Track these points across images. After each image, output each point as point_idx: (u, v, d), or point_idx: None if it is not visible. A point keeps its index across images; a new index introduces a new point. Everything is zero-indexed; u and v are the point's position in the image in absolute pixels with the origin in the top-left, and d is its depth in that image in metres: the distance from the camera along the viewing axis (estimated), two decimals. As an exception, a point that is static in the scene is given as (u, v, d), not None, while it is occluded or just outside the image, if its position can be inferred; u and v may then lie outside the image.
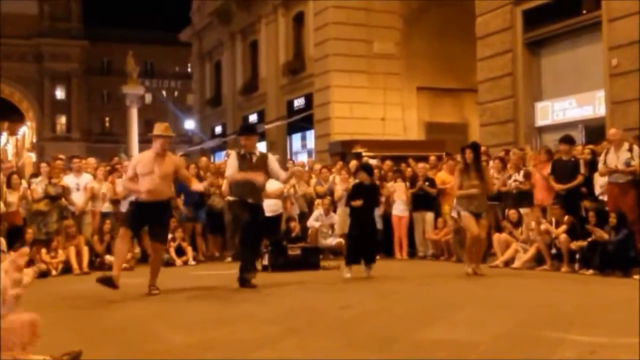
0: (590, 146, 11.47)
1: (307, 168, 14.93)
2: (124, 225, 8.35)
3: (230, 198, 9.00)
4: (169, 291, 8.28)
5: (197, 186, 9.09)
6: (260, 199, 8.91)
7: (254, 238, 8.87)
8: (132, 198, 8.99)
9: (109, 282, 7.86)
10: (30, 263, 10.59)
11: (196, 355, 4.80)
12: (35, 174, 13.32)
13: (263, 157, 8.95)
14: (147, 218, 8.14)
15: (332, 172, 14.03)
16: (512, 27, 16.08)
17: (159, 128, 8.31)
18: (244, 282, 8.52)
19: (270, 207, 11.79)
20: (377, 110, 22.18)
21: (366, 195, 9.69)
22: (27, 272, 4.47)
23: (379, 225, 13.03)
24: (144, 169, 8.06)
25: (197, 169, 13.35)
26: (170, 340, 5.30)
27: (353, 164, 14.55)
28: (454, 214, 10.48)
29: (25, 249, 4.63)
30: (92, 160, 13.74)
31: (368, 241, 9.78)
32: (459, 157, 10.58)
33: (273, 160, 9.15)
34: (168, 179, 8.28)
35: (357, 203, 9.58)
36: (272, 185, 11.97)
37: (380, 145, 19.03)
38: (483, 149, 14.18)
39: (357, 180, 10.44)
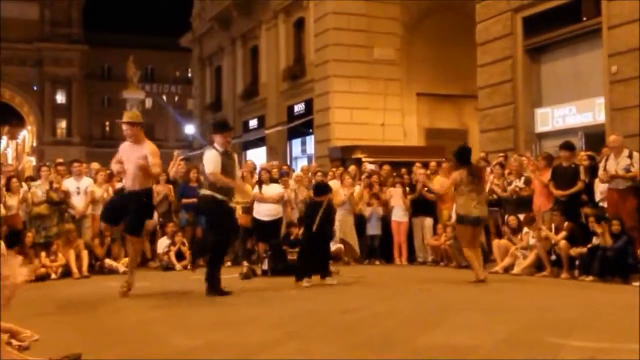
0: (589, 152, 11.49)
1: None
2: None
3: (219, 196, 8.27)
4: (170, 295, 8.30)
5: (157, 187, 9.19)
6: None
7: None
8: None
9: None
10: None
11: (198, 358, 4.80)
12: (32, 177, 13.32)
13: (234, 156, 8.76)
14: (125, 209, 8.15)
15: (328, 177, 14.00)
16: (512, 33, 16.11)
17: (125, 115, 8.55)
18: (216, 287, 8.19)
19: (269, 211, 11.82)
20: (377, 115, 22.19)
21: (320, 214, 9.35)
22: (21, 272, 4.46)
23: (377, 230, 13.08)
24: (123, 158, 8.21)
25: (198, 173, 13.35)
26: (171, 343, 5.30)
27: (352, 169, 14.57)
28: None
29: None
30: (95, 165, 13.76)
31: (320, 254, 9.47)
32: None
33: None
34: (141, 168, 8.04)
35: (325, 197, 9.40)
36: (271, 190, 12.00)
37: (380, 151, 19.04)
38: (482, 154, 14.31)
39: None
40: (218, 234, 8.40)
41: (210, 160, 8.25)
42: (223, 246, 8.62)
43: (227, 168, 8.28)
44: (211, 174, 8.20)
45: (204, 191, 8.46)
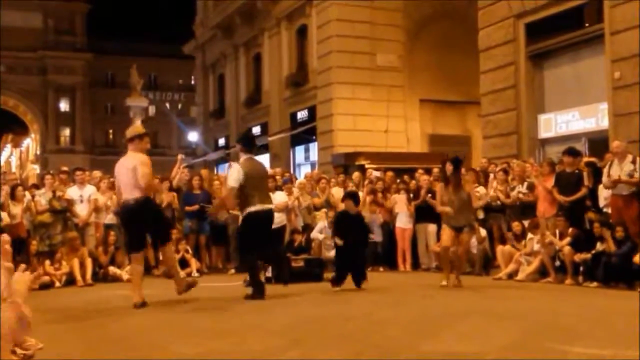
0: (588, 159, 11.50)
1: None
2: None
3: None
4: (173, 302, 8.29)
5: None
6: None
7: None
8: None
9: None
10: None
11: (201, 366, 4.80)
12: (36, 185, 13.34)
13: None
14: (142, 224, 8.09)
15: (330, 183, 14.00)
16: (514, 39, 16.14)
17: (135, 129, 8.51)
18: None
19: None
20: (380, 122, 22.22)
21: (351, 228, 9.42)
22: (22, 280, 4.44)
23: (379, 237, 13.03)
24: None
25: (200, 180, 13.39)
26: (175, 350, 5.30)
27: (356, 175, 14.58)
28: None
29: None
30: (97, 173, 13.77)
31: (358, 268, 9.55)
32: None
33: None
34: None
35: (339, 242, 9.40)
36: (276, 199, 12.01)
37: (383, 158, 19.05)
38: (484, 161, 14.31)
39: (342, 209, 10.12)
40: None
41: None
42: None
43: None
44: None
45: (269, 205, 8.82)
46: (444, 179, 9.78)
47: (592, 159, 11.47)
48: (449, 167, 9.61)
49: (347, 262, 9.43)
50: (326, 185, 13.74)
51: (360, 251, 9.70)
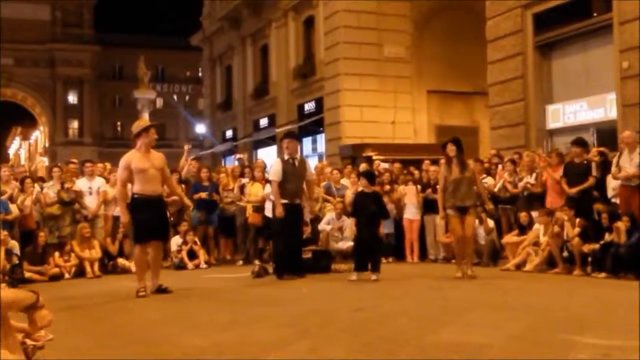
0: (601, 148, 11.43)
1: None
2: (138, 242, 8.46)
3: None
4: (182, 294, 8.33)
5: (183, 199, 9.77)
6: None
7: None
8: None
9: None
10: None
11: (209, 357, 4.82)
12: (42, 179, 13.37)
13: (303, 162, 10.17)
14: (151, 217, 8.21)
15: (342, 174, 14.00)
16: (522, 30, 16.06)
17: (141, 123, 8.74)
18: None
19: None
20: (388, 113, 22.19)
21: (368, 205, 9.58)
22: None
23: (391, 229, 13.03)
24: (139, 167, 8.20)
25: (209, 172, 13.43)
26: (183, 342, 5.32)
27: (364, 167, 14.57)
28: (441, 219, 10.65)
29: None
30: (107, 165, 13.80)
31: (372, 250, 9.68)
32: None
33: (310, 165, 10.65)
34: (160, 174, 8.41)
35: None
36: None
37: (390, 149, 19.05)
38: (493, 151, 14.27)
39: (359, 189, 10.30)
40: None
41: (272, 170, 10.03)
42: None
43: (287, 172, 9.80)
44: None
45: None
46: (447, 160, 9.70)
47: (603, 149, 11.40)
48: (452, 148, 9.56)
49: (365, 247, 9.57)
50: (339, 176, 13.75)
51: (376, 236, 9.75)
